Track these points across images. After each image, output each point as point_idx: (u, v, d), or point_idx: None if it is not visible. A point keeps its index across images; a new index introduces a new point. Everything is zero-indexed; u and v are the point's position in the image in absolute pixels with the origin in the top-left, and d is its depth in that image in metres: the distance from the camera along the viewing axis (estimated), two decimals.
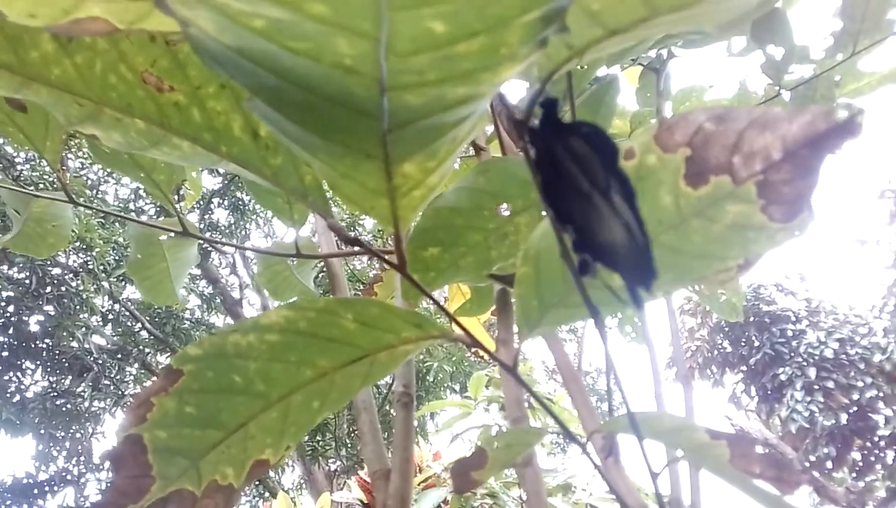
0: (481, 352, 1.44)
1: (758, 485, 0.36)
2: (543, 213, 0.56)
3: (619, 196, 0.26)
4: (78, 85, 0.43)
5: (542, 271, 0.41)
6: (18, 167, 6.33)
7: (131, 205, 7.64)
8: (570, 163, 0.28)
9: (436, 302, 0.40)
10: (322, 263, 1.07)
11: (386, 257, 0.39)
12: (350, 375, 0.46)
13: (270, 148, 0.38)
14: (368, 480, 3.35)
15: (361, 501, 3.28)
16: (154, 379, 0.44)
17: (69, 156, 6.79)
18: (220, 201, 7.49)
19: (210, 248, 6.98)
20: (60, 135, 0.61)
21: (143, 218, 7.88)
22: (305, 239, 0.86)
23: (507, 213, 0.56)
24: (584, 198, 0.28)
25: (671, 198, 0.34)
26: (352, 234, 0.37)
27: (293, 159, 0.38)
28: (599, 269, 0.31)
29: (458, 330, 0.45)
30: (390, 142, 0.30)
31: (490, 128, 0.95)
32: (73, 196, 0.73)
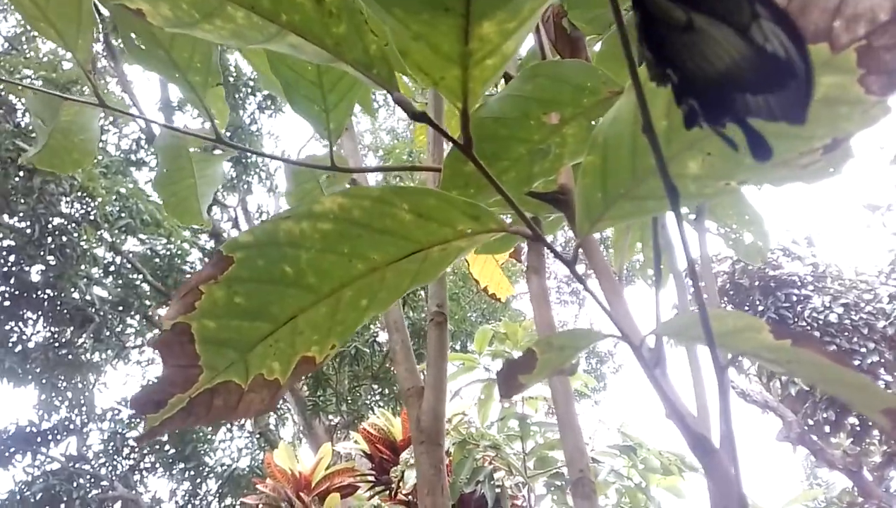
0: (499, 296, 1.41)
1: (836, 370, 0.35)
2: (594, 122, 0.55)
3: (769, 22, 0.24)
4: None
5: (610, 160, 0.39)
6: (18, 115, 6.26)
7: (132, 157, 7.58)
8: None
9: (502, 192, 0.38)
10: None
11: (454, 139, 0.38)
12: (401, 272, 0.45)
13: (334, 15, 0.36)
14: (372, 432, 3.38)
15: (364, 451, 3.32)
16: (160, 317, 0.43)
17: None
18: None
19: (210, 203, 6.94)
20: (92, 33, 0.58)
21: (144, 169, 7.84)
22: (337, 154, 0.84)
23: (555, 122, 0.54)
24: (702, 29, 0.26)
25: None
26: (418, 109, 0.36)
27: (358, 27, 0.36)
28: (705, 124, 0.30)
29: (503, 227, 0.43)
30: None
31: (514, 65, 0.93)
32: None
